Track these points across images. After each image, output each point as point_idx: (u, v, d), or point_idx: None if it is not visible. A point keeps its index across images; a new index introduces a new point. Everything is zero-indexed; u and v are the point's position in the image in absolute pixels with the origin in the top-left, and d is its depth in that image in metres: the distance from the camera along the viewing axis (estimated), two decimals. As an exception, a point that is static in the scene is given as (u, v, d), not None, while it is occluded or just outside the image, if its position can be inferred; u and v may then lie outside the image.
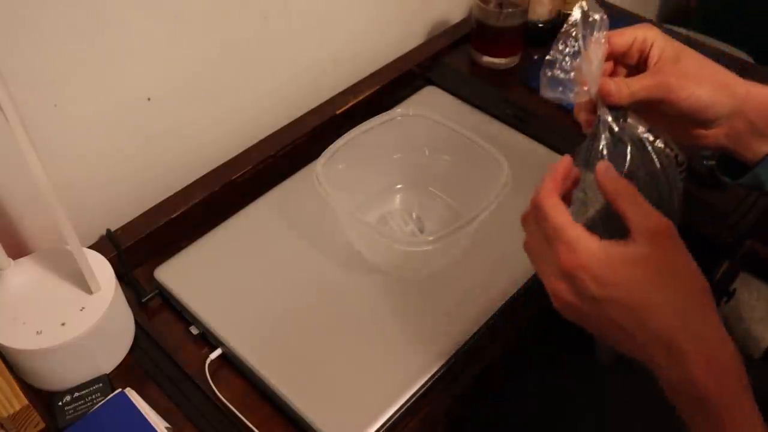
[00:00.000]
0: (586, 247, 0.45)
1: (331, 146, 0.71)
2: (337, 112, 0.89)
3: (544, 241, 0.47)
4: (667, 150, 0.54)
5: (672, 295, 0.44)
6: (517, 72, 0.98)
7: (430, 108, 0.77)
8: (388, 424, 0.60)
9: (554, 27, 1.01)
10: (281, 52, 0.86)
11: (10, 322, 0.61)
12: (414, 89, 0.93)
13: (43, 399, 0.62)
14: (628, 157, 0.53)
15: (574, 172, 0.51)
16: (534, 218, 0.49)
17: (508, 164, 0.68)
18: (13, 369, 0.61)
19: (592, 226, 0.49)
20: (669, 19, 1.82)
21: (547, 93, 0.55)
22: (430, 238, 0.65)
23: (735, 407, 0.42)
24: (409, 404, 0.62)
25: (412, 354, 0.64)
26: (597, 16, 0.53)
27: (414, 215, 0.77)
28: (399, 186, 0.79)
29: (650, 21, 1.07)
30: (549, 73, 0.54)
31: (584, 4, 0.53)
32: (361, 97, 0.91)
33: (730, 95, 0.55)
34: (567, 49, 0.54)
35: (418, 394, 0.62)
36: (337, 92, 0.92)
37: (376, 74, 0.95)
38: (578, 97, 0.54)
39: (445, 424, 0.66)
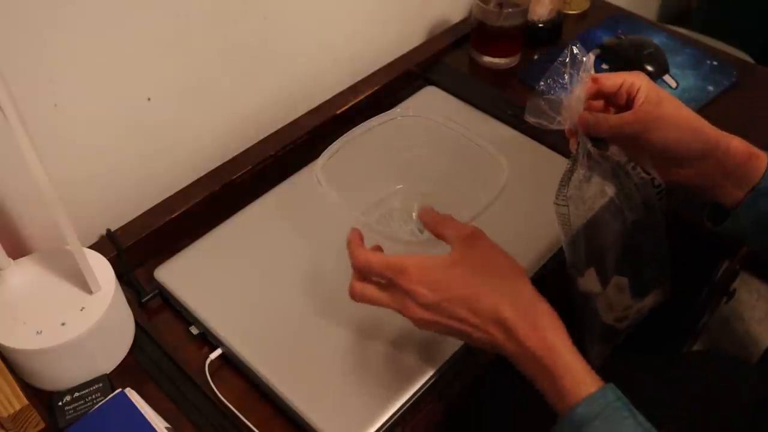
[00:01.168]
0: (411, 264, 0.54)
1: (331, 146, 0.71)
2: (337, 112, 0.89)
3: (382, 283, 0.56)
4: (643, 174, 0.63)
5: (489, 279, 0.54)
6: (517, 72, 0.98)
7: (430, 108, 0.77)
8: (388, 424, 0.60)
9: (554, 27, 1.02)
10: (281, 52, 0.86)
11: (10, 322, 0.61)
12: (414, 89, 0.93)
13: (43, 399, 0.62)
14: (600, 178, 0.62)
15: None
16: (361, 278, 0.57)
17: (508, 164, 0.68)
18: (13, 369, 0.61)
19: (576, 236, 0.61)
20: (669, 19, 1.82)
21: (530, 118, 0.63)
22: (431, 239, 0.65)
23: (555, 357, 0.50)
24: (409, 404, 0.62)
25: (413, 354, 0.64)
26: (584, 58, 0.60)
27: (414, 215, 0.77)
28: (399, 186, 0.79)
29: (650, 22, 1.07)
30: (535, 101, 0.62)
31: (575, 48, 0.60)
32: (360, 97, 0.91)
33: (701, 140, 0.60)
34: (554, 84, 0.61)
35: (418, 395, 0.62)
36: (336, 92, 0.92)
37: (376, 74, 0.95)
38: (561, 125, 0.62)
39: (446, 424, 0.66)
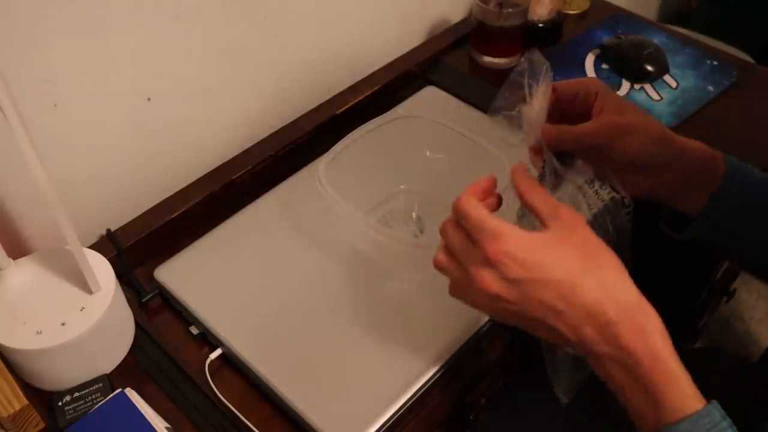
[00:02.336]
0: (508, 233, 0.47)
1: (334, 147, 0.71)
2: (337, 112, 0.89)
3: (466, 240, 0.50)
4: (613, 193, 0.58)
5: (592, 270, 0.47)
6: (517, 72, 0.98)
7: (430, 108, 0.77)
8: (388, 424, 0.60)
9: (554, 27, 1.02)
10: (281, 52, 0.86)
11: (10, 322, 0.61)
12: (414, 89, 0.93)
13: (43, 399, 0.62)
14: (569, 198, 0.58)
15: (495, 191, 0.54)
16: (454, 222, 0.51)
17: (509, 164, 0.68)
18: (13, 369, 0.61)
19: None
20: (669, 19, 1.82)
21: (495, 125, 0.59)
22: (431, 239, 0.65)
23: (660, 366, 0.45)
24: (409, 404, 0.62)
25: (413, 354, 0.64)
26: (543, 68, 0.56)
27: (414, 216, 0.77)
28: (399, 186, 0.79)
29: (650, 22, 1.07)
30: (494, 117, 0.58)
31: (533, 56, 0.56)
32: (361, 97, 0.91)
33: (664, 147, 0.59)
34: (511, 97, 0.57)
35: (418, 394, 0.62)
36: (336, 92, 0.92)
37: (376, 74, 0.95)
38: (525, 140, 0.58)
39: (446, 424, 0.66)
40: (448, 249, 0.52)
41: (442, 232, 0.52)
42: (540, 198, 0.50)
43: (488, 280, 0.48)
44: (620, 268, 0.48)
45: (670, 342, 0.46)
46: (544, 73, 0.56)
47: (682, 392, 0.45)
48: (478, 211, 0.49)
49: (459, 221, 0.50)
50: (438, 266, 0.53)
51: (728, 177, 0.60)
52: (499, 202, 0.54)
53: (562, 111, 0.61)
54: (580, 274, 0.47)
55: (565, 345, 0.49)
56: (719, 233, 0.62)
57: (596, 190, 0.59)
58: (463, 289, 0.52)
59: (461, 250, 0.50)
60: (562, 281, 0.46)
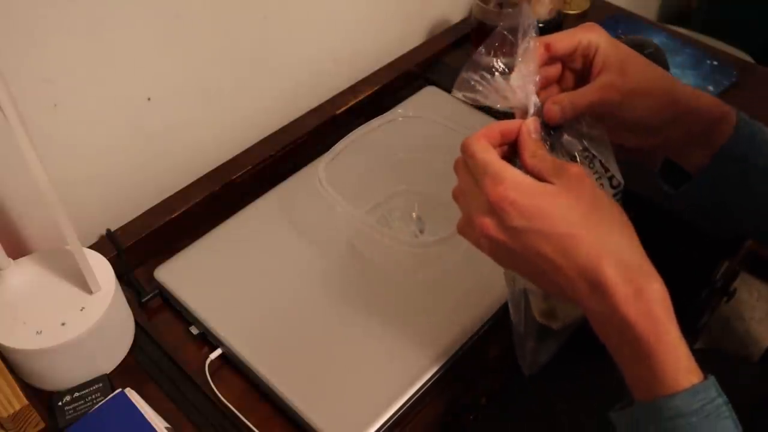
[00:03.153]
0: (512, 178, 0.46)
1: (334, 148, 0.71)
2: (337, 112, 0.89)
3: (471, 181, 0.48)
4: (603, 170, 0.55)
5: (595, 225, 0.45)
6: (517, 72, 0.98)
7: (430, 108, 0.77)
8: (388, 424, 0.60)
9: (554, 27, 1.01)
10: (281, 52, 0.86)
11: (10, 322, 0.61)
12: (414, 89, 0.93)
13: (43, 399, 0.62)
14: None
15: (514, 136, 0.51)
16: (463, 162, 0.49)
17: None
18: (13, 369, 0.61)
19: None
20: (669, 19, 1.82)
21: (458, 93, 0.53)
22: (431, 239, 0.65)
23: (657, 334, 0.42)
24: (409, 404, 0.62)
25: (413, 354, 0.64)
26: (528, 22, 0.51)
27: (415, 216, 0.77)
28: (400, 187, 0.79)
29: (650, 22, 1.07)
30: (467, 75, 0.52)
31: (525, 6, 0.52)
32: (361, 97, 0.91)
33: (673, 107, 0.55)
34: (497, 52, 0.52)
35: (418, 394, 0.62)
36: (337, 92, 0.92)
37: (376, 74, 0.95)
38: (502, 103, 0.53)
39: (445, 424, 0.66)
40: (459, 187, 0.50)
41: (455, 169, 0.51)
42: (542, 157, 0.48)
43: (488, 226, 0.46)
44: (627, 227, 0.46)
45: (672, 310, 0.44)
46: (527, 29, 0.51)
47: (680, 364, 0.42)
48: (484, 152, 0.47)
49: (465, 160, 0.49)
50: (454, 199, 0.51)
51: (737, 134, 0.56)
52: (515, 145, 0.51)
53: (554, 72, 0.56)
54: (581, 228, 0.45)
55: (564, 299, 0.47)
56: (721, 191, 0.58)
57: (588, 166, 0.55)
58: (467, 229, 0.50)
59: (467, 192, 0.49)
60: (562, 235, 0.44)
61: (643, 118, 0.55)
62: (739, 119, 0.56)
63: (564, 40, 0.54)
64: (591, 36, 0.54)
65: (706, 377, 0.43)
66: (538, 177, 0.47)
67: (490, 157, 0.47)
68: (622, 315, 0.43)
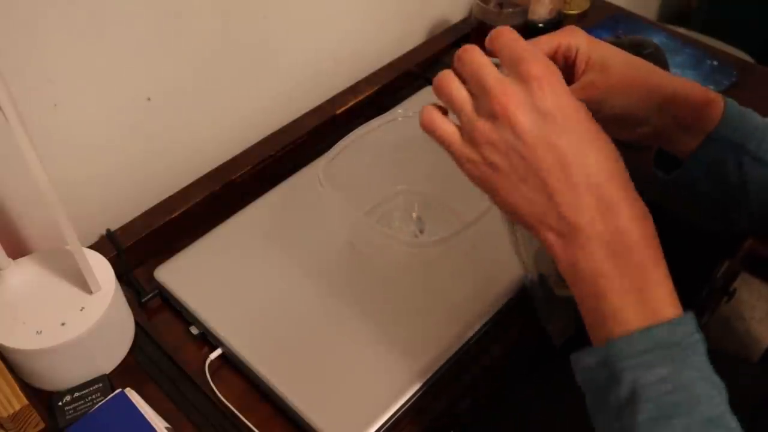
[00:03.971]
0: (547, 61, 0.44)
1: (334, 148, 0.71)
2: (337, 112, 0.89)
3: (489, 69, 0.44)
4: None
5: (607, 142, 0.44)
6: (517, 72, 0.98)
7: (430, 108, 0.76)
8: (388, 425, 0.60)
9: (554, 27, 1.02)
10: (281, 51, 0.86)
11: (10, 322, 0.61)
12: (414, 89, 0.93)
13: (43, 399, 0.62)
14: None
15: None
16: (457, 72, 0.46)
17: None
18: (13, 369, 0.61)
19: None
20: (669, 19, 1.82)
21: None
22: (431, 239, 0.65)
23: (659, 262, 0.42)
24: (409, 404, 0.62)
25: (413, 354, 0.64)
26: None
27: (415, 216, 0.77)
28: (400, 187, 0.79)
29: (650, 22, 1.07)
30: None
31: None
32: (361, 97, 0.91)
33: (656, 97, 0.56)
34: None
35: (418, 395, 0.62)
36: (336, 92, 0.92)
37: (376, 74, 0.95)
38: None
39: (446, 425, 0.66)
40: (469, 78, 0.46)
41: (461, 66, 0.46)
42: (533, 44, 0.47)
43: (516, 99, 0.42)
44: (622, 164, 0.45)
45: (652, 244, 0.43)
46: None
47: (667, 294, 0.42)
48: (514, 39, 0.44)
49: (462, 66, 0.45)
50: (451, 104, 0.47)
51: (726, 118, 0.56)
52: None
53: None
54: (599, 136, 0.43)
55: (542, 223, 0.44)
56: (712, 176, 0.58)
57: None
58: (465, 137, 0.46)
59: (483, 78, 0.44)
60: (589, 130, 0.43)
61: (628, 111, 0.56)
62: (727, 104, 0.57)
63: (544, 44, 0.54)
64: (570, 39, 0.55)
65: (685, 312, 0.42)
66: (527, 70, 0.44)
67: (522, 42, 0.45)
68: (624, 235, 0.41)
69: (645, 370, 0.40)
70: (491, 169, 0.45)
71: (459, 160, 0.47)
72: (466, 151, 0.46)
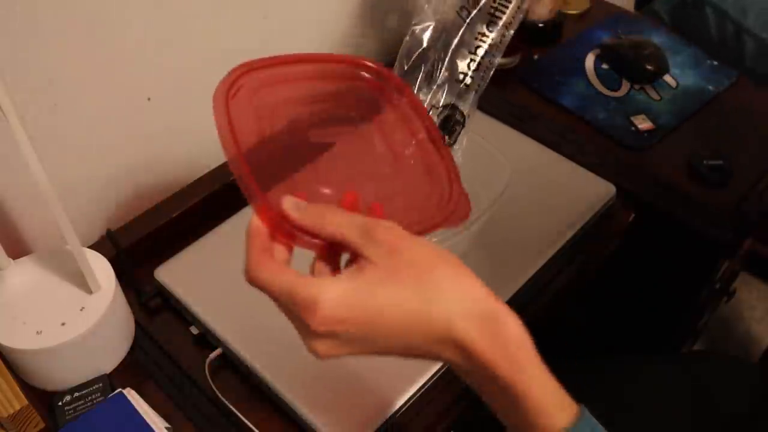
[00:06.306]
0: (326, 295, 0.41)
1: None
2: (337, 112, 0.89)
3: (285, 309, 0.45)
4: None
5: (432, 293, 0.41)
6: (517, 72, 0.98)
7: (431, 108, 0.76)
8: (388, 425, 0.60)
9: (554, 27, 1.02)
10: (281, 51, 0.85)
11: (10, 322, 0.61)
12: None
13: (43, 399, 0.62)
14: None
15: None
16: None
17: (510, 165, 0.68)
18: (13, 369, 0.61)
19: None
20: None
21: None
22: (431, 240, 0.65)
23: (521, 373, 0.41)
24: (409, 404, 0.62)
25: (412, 354, 0.64)
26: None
27: (414, 215, 0.77)
28: (399, 186, 0.79)
29: (650, 22, 1.07)
30: None
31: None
32: (361, 97, 0.91)
33: None
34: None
35: (418, 394, 0.62)
36: (337, 92, 0.92)
37: (376, 74, 0.95)
38: None
39: (446, 424, 0.66)
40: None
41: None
42: (346, 225, 0.43)
43: (325, 350, 0.43)
44: (461, 276, 0.42)
45: (532, 348, 0.42)
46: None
47: (553, 400, 0.42)
48: (276, 278, 0.44)
49: (265, 291, 0.45)
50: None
51: None
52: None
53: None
54: (421, 307, 0.41)
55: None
56: None
57: None
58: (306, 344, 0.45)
59: (290, 319, 0.45)
60: (406, 324, 0.41)
61: None
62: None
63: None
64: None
65: (579, 407, 0.42)
66: (349, 249, 0.43)
67: (287, 280, 0.43)
68: (488, 366, 0.41)
69: None
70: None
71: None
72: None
